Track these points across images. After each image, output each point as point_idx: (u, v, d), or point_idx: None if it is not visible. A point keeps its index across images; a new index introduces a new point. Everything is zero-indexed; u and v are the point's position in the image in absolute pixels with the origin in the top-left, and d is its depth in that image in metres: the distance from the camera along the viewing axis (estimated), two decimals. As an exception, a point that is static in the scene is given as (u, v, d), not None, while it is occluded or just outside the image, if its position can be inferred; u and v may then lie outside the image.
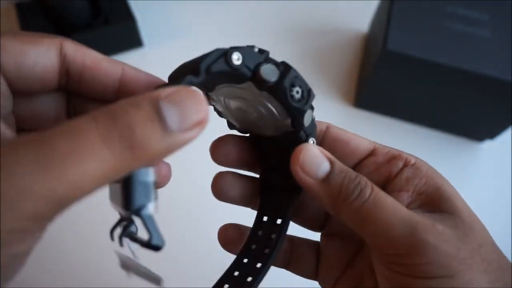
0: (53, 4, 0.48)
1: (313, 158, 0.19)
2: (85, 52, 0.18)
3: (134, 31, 0.52)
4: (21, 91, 0.17)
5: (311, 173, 0.19)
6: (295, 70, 0.19)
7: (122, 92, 0.19)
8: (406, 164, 0.21)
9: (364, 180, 0.19)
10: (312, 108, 0.20)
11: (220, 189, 0.24)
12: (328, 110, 0.50)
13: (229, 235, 0.25)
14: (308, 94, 0.19)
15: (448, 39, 0.43)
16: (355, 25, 0.58)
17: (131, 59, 0.52)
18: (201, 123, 0.14)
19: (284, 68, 0.18)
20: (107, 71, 0.18)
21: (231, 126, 0.24)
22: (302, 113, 0.19)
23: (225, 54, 0.17)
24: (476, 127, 0.49)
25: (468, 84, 0.42)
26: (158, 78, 0.19)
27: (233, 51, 0.17)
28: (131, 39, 0.53)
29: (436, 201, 0.20)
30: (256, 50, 0.18)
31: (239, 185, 0.24)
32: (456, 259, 0.17)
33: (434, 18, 0.44)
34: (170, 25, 0.57)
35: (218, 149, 0.23)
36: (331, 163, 0.20)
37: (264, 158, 0.24)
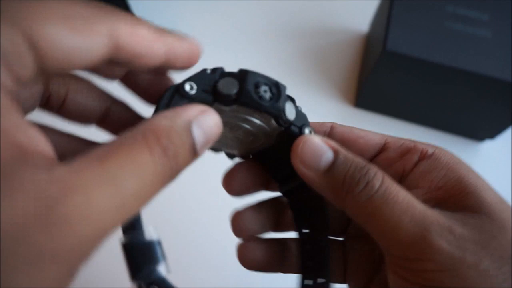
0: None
1: (314, 149, 0.18)
2: (139, 41, 0.15)
3: (134, 31, 0.52)
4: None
5: (312, 165, 0.18)
6: (253, 72, 0.18)
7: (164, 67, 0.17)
8: (422, 157, 0.19)
9: (374, 170, 0.17)
10: (291, 99, 0.19)
11: (242, 229, 0.22)
12: (328, 110, 0.50)
13: (252, 254, 0.22)
14: (277, 89, 0.18)
15: (448, 39, 0.43)
16: (355, 25, 0.58)
17: (131, 59, 0.52)
18: (213, 141, 0.15)
19: (241, 75, 0.18)
20: (155, 55, 0.16)
21: (230, 156, 0.23)
22: (280, 109, 0.18)
23: (177, 89, 0.17)
24: (476, 127, 0.49)
25: (468, 84, 0.42)
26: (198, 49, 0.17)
27: (184, 83, 0.17)
28: (131, 39, 0.53)
29: (457, 197, 0.17)
30: (209, 71, 0.18)
31: (261, 216, 0.23)
32: (476, 270, 0.15)
33: (434, 18, 0.44)
34: (169, 25, 0.57)
35: (232, 181, 0.22)
36: (335, 152, 0.18)
37: (275, 171, 0.23)
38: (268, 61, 0.53)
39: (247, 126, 0.19)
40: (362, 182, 0.17)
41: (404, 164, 0.19)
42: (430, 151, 0.19)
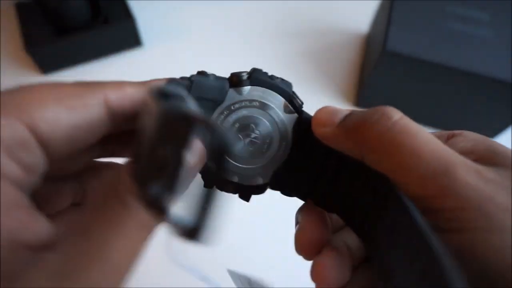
0: (53, 4, 0.48)
1: (330, 110, 0.17)
2: (128, 97, 0.16)
3: (134, 31, 0.52)
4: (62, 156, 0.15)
5: (328, 121, 0.17)
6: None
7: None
8: (449, 138, 0.17)
9: (391, 108, 0.16)
10: None
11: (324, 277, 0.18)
12: (328, 110, 0.50)
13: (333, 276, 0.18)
14: (282, 79, 0.19)
15: (448, 39, 0.43)
16: (355, 25, 0.58)
17: (130, 58, 0.52)
18: None
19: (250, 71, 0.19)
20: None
21: (243, 196, 0.20)
22: (292, 88, 0.19)
23: (199, 72, 0.17)
24: (476, 127, 0.48)
25: (468, 84, 0.42)
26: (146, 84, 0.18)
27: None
28: (130, 38, 0.53)
29: (487, 156, 0.15)
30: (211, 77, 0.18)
31: (343, 262, 0.19)
32: (508, 212, 0.13)
33: (434, 18, 0.44)
34: (169, 25, 0.57)
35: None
36: (351, 111, 0.17)
37: (308, 185, 0.20)
38: (268, 61, 0.53)
39: (262, 119, 0.19)
40: (377, 113, 0.15)
41: None
42: (458, 132, 0.17)
